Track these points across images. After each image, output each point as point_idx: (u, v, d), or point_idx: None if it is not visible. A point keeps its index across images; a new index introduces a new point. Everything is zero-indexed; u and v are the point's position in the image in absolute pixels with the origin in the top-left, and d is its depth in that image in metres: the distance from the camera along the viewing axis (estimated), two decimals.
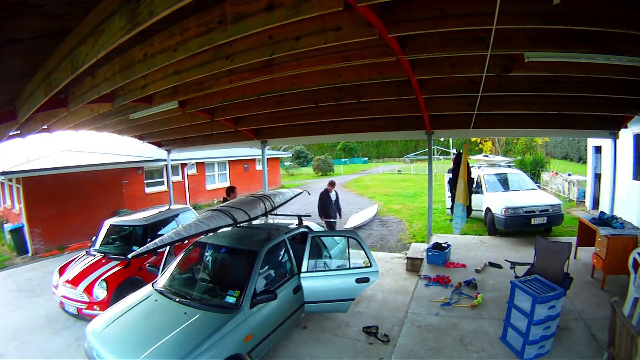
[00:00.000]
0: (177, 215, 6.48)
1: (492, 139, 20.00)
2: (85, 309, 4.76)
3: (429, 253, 5.61)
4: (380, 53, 3.42)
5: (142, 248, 4.03)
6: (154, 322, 3.47)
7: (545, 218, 7.37)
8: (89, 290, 4.80)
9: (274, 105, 5.73)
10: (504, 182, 8.80)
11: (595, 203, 9.96)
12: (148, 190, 12.86)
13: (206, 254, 4.46)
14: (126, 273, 5.12)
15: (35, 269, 7.85)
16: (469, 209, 6.46)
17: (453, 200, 6.49)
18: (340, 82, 4.41)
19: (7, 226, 9.74)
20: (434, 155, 17.08)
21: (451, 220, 6.67)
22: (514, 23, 2.76)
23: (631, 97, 4.66)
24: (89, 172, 10.46)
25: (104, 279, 4.90)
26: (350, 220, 10.77)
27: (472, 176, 6.76)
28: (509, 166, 10.66)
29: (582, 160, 21.80)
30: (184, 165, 13.98)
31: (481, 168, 9.92)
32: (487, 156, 10.05)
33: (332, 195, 7.76)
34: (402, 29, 2.87)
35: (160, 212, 6.59)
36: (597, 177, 9.91)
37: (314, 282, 4.17)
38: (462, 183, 6.04)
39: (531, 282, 3.32)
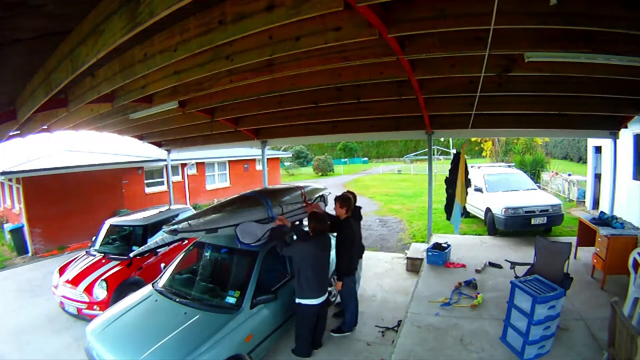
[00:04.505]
0: (177, 215, 6.48)
1: (492, 139, 19.99)
2: (85, 309, 4.76)
3: (429, 253, 5.61)
4: (380, 53, 3.42)
5: (143, 247, 4.04)
6: (154, 322, 3.47)
7: (545, 218, 7.37)
8: (89, 290, 4.81)
9: (274, 105, 5.72)
10: (504, 182, 8.80)
11: (595, 203, 9.96)
12: (148, 190, 12.84)
13: (206, 254, 4.46)
14: (126, 273, 5.12)
15: (35, 269, 7.85)
16: (463, 209, 6.49)
17: (448, 200, 6.50)
18: (340, 82, 4.40)
19: (7, 226, 9.74)
20: (434, 155, 17.06)
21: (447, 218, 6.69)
22: (514, 23, 2.76)
23: (631, 97, 4.66)
24: (89, 172, 10.44)
25: (104, 279, 4.91)
26: None
27: (469, 177, 6.76)
28: (509, 166, 10.65)
29: (582, 160, 21.79)
30: (184, 165, 13.97)
31: (481, 168, 9.93)
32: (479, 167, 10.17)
33: None
34: (402, 29, 2.86)
35: (160, 212, 6.61)
36: (597, 177, 9.91)
37: None
38: (460, 184, 6.06)
39: (531, 282, 3.32)
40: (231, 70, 3.82)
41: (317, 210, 4.59)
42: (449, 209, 6.51)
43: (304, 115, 6.34)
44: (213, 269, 4.42)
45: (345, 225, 4.22)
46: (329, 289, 5.09)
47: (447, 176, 6.50)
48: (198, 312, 3.52)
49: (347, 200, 4.28)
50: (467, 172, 6.45)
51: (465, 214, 6.71)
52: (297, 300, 3.82)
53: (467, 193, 6.36)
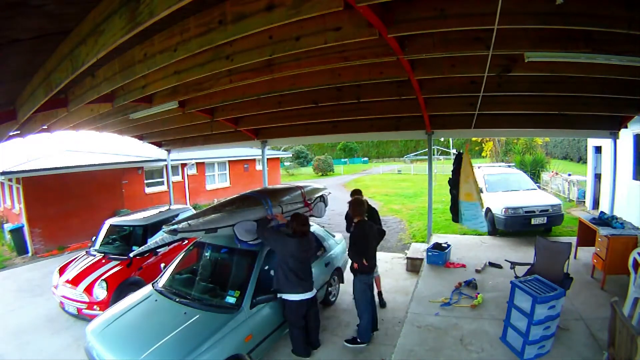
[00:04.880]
0: (177, 215, 6.48)
1: (493, 139, 20.00)
2: (85, 309, 4.76)
3: (429, 253, 5.61)
4: (380, 53, 3.42)
5: (143, 247, 4.02)
6: (154, 322, 3.47)
7: (545, 218, 7.36)
8: (89, 290, 4.81)
9: (274, 105, 5.72)
10: (504, 182, 8.79)
11: (595, 203, 9.95)
12: (148, 190, 12.84)
13: (206, 254, 4.46)
14: (126, 273, 5.12)
15: (35, 269, 7.85)
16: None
17: (453, 200, 6.46)
18: (340, 82, 4.40)
19: (7, 226, 9.73)
20: (434, 155, 17.06)
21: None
22: (514, 23, 2.76)
23: (631, 97, 4.66)
24: (89, 172, 10.45)
25: (104, 279, 4.91)
26: None
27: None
28: (509, 166, 10.64)
29: (582, 160, 21.81)
30: (184, 165, 13.97)
31: (481, 168, 9.93)
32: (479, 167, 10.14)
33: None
34: (402, 29, 2.86)
35: (160, 212, 6.61)
36: (597, 177, 9.91)
37: None
38: (473, 182, 5.97)
39: (531, 282, 3.32)
40: (231, 70, 3.82)
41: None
42: (454, 209, 6.46)
43: (304, 115, 6.34)
44: (213, 268, 4.42)
45: (357, 227, 4.17)
46: (329, 289, 5.10)
47: (450, 177, 6.45)
48: (198, 312, 3.51)
49: (353, 205, 4.27)
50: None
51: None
52: (278, 294, 3.85)
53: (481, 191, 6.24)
